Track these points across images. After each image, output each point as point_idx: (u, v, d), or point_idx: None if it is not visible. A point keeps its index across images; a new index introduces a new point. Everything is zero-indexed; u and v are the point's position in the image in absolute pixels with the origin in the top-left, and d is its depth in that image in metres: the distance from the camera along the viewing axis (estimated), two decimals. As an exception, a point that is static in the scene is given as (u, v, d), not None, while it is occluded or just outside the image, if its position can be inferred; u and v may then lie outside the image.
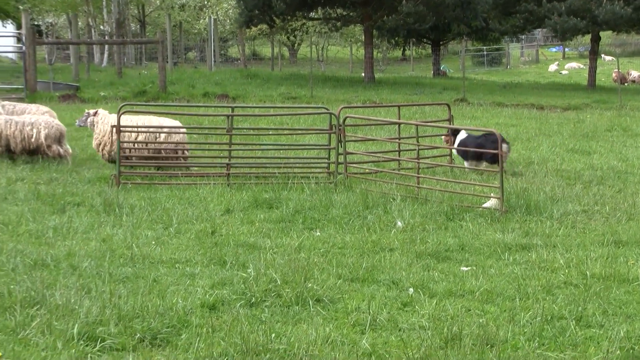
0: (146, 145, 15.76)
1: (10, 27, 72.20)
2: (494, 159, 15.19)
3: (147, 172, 15.23)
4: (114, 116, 15.79)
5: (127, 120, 15.84)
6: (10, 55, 59.50)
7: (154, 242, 10.49)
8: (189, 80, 37.67)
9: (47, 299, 7.92)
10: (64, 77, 39.45)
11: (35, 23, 68.45)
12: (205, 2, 70.03)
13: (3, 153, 16.41)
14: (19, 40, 49.43)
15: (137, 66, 58.28)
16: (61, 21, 74.38)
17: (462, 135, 16.47)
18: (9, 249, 9.80)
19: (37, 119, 16.53)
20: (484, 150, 15.33)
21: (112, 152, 15.79)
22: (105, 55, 58.63)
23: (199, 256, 9.91)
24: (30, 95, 30.27)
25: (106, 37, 56.92)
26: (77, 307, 7.69)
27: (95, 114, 16.33)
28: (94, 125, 16.24)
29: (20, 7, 59.61)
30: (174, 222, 11.55)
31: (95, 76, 42.02)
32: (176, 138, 15.90)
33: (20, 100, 29.25)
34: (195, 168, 15.86)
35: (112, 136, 15.57)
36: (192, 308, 7.93)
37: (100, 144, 16.08)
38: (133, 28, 69.31)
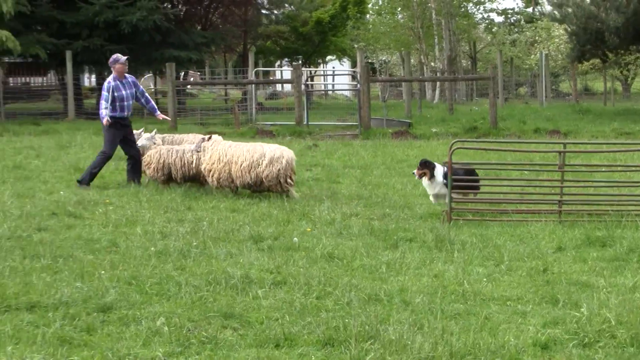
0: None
1: (346, 65, 75.09)
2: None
3: (479, 208, 15.24)
4: (225, 142, 16.64)
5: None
6: (345, 92, 61.74)
7: (485, 279, 10.47)
8: (519, 116, 37.49)
9: (381, 333, 8.05)
10: (396, 114, 40.40)
11: (370, 61, 70.76)
12: (537, 38, 69.73)
13: (166, 182, 17.43)
14: (353, 78, 51.39)
15: (467, 102, 58.76)
16: (394, 59, 76.42)
17: (440, 167, 15.48)
18: (344, 283, 10.05)
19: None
20: None
21: (221, 179, 16.38)
22: (437, 92, 59.58)
23: (531, 294, 9.80)
24: (364, 131, 31.18)
25: (438, 74, 57.78)
26: (409, 342, 7.78)
27: (208, 139, 16.75)
28: (204, 151, 16.63)
29: (356, 46, 62.02)
30: (505, 259, 11.45)
31: (426, 112, 42.72)
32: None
33: (355, 137, 30.36)
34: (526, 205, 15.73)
35: (219, 164, 16.26)
36: (524, 347, 7.86)
37: (210, 171, 16.50)
38: (464, 64, 69.99)
